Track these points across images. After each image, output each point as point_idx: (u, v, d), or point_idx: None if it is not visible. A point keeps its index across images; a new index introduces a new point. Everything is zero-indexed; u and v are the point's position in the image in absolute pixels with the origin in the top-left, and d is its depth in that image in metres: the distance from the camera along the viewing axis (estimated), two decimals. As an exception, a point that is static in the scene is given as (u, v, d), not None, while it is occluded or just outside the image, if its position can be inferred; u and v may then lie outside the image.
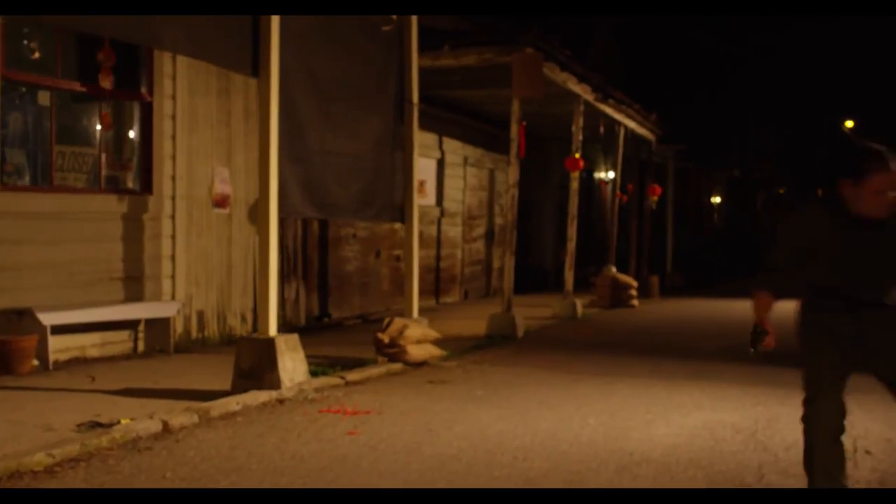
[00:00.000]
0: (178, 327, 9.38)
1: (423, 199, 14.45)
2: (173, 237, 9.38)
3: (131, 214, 8.94)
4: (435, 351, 9.13)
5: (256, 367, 7.22)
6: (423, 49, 10.27)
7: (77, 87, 8.50)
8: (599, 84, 14.51)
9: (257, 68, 7.48)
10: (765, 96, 33.53)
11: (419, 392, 7.56)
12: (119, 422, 5.83)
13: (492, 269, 17.96)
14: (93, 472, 4.94)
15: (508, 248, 11.91)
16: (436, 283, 15.76)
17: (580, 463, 5.33)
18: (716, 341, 11.38)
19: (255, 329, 8.80)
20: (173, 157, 9.35)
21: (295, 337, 7.63)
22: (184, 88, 9.43)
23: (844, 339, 4.08)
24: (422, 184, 14.44)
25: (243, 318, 10.23)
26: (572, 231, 14.50)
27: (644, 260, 19.14)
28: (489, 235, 18.05)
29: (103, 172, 8.86)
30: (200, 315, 9.74)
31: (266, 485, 4.81)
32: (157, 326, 9.13)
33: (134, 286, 8.97)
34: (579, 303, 14.33)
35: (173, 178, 9.36)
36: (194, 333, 9.64)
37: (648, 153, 19.65)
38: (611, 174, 19.18)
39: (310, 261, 11.75)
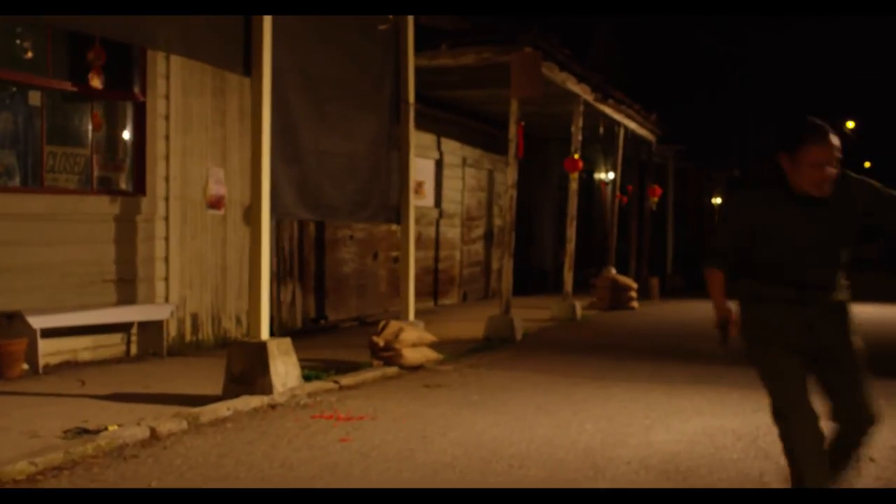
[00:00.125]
0: (172, 330, 9.27)
1: (421, 200, 14.34)
2: (167, 239, 9.27)
3: (124, 216, 8.83)
4: (431, 354, 9.01)
5: (248, 372, 7.09)
6: (420, 48, 10.16)
7: (68, 86, 8.37)
8: (599, 84, 14.40)
9: (250, 67, 7.38)
10: (765, 96, 33.48)
11: (414, 397, 7.44)
12: (106, 428, 5.72)
13: (491, 270, 17.84)
14: (76, 481, 4.81)
15: (507, 249, 11.79)
16: (434, 285, 15.65)
17: (577, 471, 5.21)
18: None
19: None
20: (167, 158, 9.24)
21: (287, 341, 7.50)
22: (178, 88, 9.32)
23: (791, 335, 3.89)
24: (420, 185, 14.34)
25: (238, 321, 10.11)
26: (572, 232, 14.38)
27: (644, 261, 19.03)
28: (488, 237, 17.93)
29: (95, 173, 8.74)
30: (194, 318, 9.62)
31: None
32: (151, 329, 9.02)
33: (127, 288, 8.85)
34: (578, 304, 14.22)
35: (167, 178, 9.25)
36: (188, 336, 9.52)
37: (648, 153, 19.52)
38: (610, 175, 19.07)
39: (306, 262, 11.64)
